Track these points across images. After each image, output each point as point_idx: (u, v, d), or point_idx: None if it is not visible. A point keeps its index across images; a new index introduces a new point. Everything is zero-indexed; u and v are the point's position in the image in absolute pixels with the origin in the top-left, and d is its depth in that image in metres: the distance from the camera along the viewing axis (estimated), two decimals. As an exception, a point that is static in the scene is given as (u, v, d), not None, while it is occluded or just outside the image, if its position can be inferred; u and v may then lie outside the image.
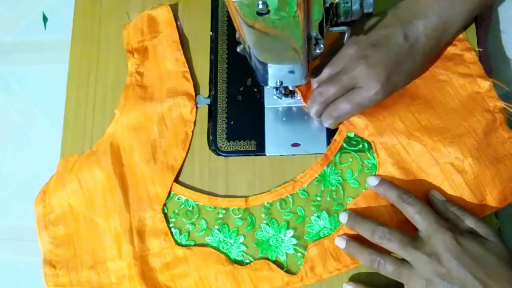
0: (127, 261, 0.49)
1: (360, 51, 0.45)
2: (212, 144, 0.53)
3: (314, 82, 0.49)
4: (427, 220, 0.42)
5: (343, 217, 0.46)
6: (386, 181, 0.46)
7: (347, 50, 0.46)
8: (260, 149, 0.52)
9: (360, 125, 0.49)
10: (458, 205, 0.44)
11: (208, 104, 0.54)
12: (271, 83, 0.47)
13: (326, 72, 0.48)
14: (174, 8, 0.57)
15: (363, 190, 0.48)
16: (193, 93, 0.54)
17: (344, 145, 0.50)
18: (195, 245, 0.49)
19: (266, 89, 0.53)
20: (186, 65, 0.55)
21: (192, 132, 0.53)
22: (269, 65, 0.43)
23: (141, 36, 0.56)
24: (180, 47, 0.55)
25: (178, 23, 0.57)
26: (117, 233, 0.50)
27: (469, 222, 0.43)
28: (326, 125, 0.49)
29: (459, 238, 0.41)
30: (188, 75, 0.54)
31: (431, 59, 0.50)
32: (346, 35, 0.44)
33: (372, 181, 0.47)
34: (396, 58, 0.45)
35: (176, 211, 0.51)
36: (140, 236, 0.50)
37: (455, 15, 0.46)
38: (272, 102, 0.53)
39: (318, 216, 0.48)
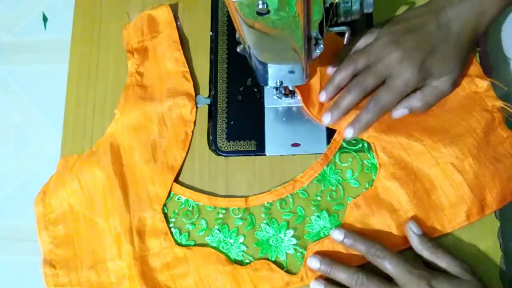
0: (127, 261, 0.49)
1: (393, 38, 0.46)
2: (212, 144, 0.53)
3: (348, 69, 0.48)
4: (399, 270, 0.42)
5: (338, 235, 0.46)
6: (351, 233, 0.45)
7: (380, 38, 0.47)
8: (260, 149, 0.52)
9: None
10: (433, 241, 0.45)
11: (208, 104, 0.54)
12: (271, 83, 0.47)
13: (361, 62, 0.47)
14: (174, 8, 0.57)
15: (364, 190, 0.48)
16: (193, 93, 0.54)
17: (344, 144, 0.50)
18: (195, 245, 0.49)
19: (266, 89, 0.53)
20: (186, 65, 0.55)
21: (192, 132, 0.53)
22: (269, 65, 0.43)
23: (141, 36, 0.56)
24: (180, 47, 0.55)
25: (178, 23, 0.57)
26: (117, 233, 0.50)
27: (443, 261, 0.43)
28: (363, 123, 0.48)
29: (433, 283, 0.41)
30: (188, 75, 0.54)
31: (469, 47, 0.47)
32: (346, 35, 0.44)
33: (337, 236, 0.46)
34: (429, 43, 0.45)
35: (176, 211, 0.51)
36: (140, 236, 0.50)
37: (488, 2, 0.45)
38: (272, 102, 0.53)
39: (318, 216, 0.48)
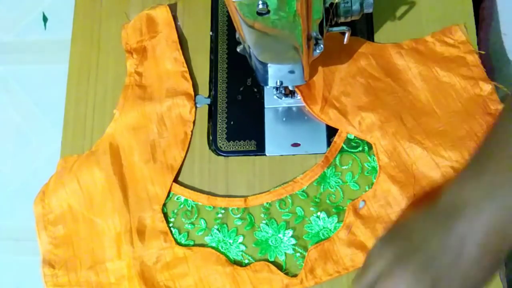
0: (126, 261, 0.49)
1: (392, 265, 0.35)
2: (212, 144, 0.53)
3: None
4: None
5: None
6: None
7: (379, 256, 0.36)
8: (260, 149, 0.51)
9: (362, 127, 0.49)
10: None
11: (208, 104, 0.54)
12: (271, 83, 0.47)
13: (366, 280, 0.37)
14: (173, 8, 0.57)
15: (363, 193, 0.48)
16: (192, 93, 0.54)
17: (344, 147, 0.50)
18: (194, 245, 0.49)
19: (266, 89, 0.53)
20: (185, 65, 0.55)
21: (191, 132, 0.53)
22: (269, 65, 0.43)
23: (140, 36, 0.56)
24: (179, 47, 0.55)
25: (178, 23, 0.57)
26: (117, 233, 0.50)
27: None
28: None
29: None
30: (187, 75, 0.54)
31: (489, 274, 0.34)
32: (346, 35, 0.43)
33: None
34: (430, 273, 0.33)
35: (175, 211, 0.51)
36: (139, 236, 0.50)
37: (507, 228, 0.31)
38: (272, 102, 0.53)
39: (317, 217, 0.48)
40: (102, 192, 0.51)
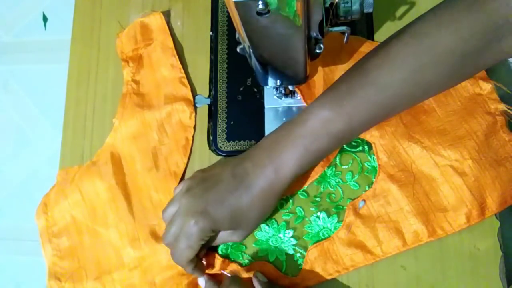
0: (138, 270, 0.49)
1: (189, 184, 0.45)
2: (212, 144, 0.53)
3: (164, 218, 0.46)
4: None
5: (201, 282, 0.47)
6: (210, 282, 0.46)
7: (183, 184, 0.46)
8: (260, 149, 0.51)
9: None
10: (278, 286, 0.46)
11: (208, 104, 0.54)
12: (271, 83, 0.47)
13: (169, 211, 0.45)
14: (167, 14, 0.57)
15: (363, 192, 0.48)
16: (191, 98, 0.54)
17: (344, 146, 0.50)
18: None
19: (266, 89, 0.53)
20: (182, 71, 0.55)
21: (193, 137, 0.53)
22: (269, 65, 0.43)
23: (134, 44, 0.55)
24: (175, 53, 0.55)
25: (179, 23, 0.57)
26: (123, 243, 0.50)
27: None
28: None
29: None
30: (185, 80, 0.54)
31: (268, 200, 0.44)
32: (346, 35, 0.43)
33: (200, 282, 0.47)
34: (218, 192, 0.43)
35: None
36: (147, 244, 0.49)
37: (284, 163, 0.43)
38: (272, 102, 0.53)
39: (317, 217, 0.48)
40: (105, 202, 0.51)
